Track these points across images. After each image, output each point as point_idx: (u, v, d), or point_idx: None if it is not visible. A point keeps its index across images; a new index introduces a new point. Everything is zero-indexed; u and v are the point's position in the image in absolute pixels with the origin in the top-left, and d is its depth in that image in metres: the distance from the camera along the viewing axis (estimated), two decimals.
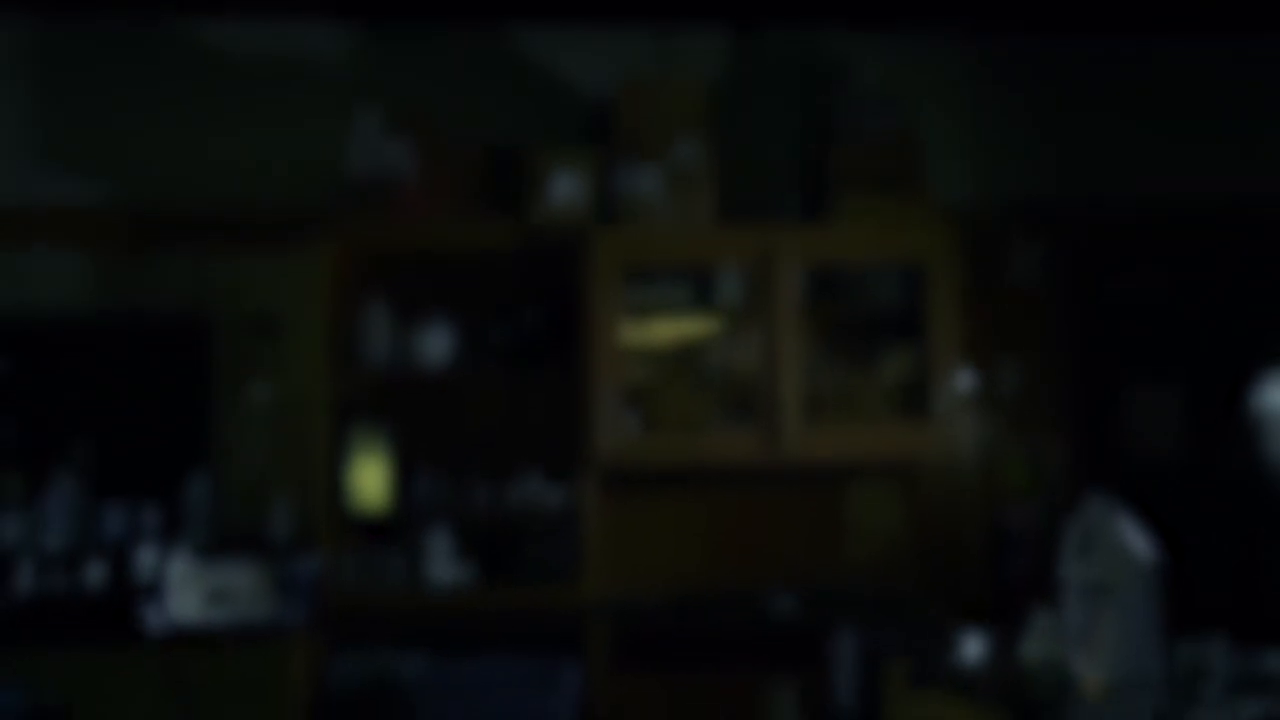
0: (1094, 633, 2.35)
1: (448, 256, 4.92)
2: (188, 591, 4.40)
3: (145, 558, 4.58)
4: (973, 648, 2.77)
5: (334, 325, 4.77)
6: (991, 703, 2.45)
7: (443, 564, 4.77)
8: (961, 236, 4.98)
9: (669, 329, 4.99)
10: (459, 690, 4.46)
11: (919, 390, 4.99)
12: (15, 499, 4.70)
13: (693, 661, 4.97)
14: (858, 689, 3.06)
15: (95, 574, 4.57)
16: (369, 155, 4.75)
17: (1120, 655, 2.33)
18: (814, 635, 4.67)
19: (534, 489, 4.86)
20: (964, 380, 4.96)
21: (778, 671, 4.86)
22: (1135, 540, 2.46)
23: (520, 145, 4.92)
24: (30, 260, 4.86)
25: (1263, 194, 5.34)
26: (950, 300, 4.93)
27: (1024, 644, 2.61)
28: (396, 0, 4.99)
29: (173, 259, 4.89)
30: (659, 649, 4.93)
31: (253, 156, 4.93)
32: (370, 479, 4.79)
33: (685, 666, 4.98)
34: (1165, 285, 5.36)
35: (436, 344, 4.82)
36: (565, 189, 4.87)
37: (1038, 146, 5.36)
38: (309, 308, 4.79)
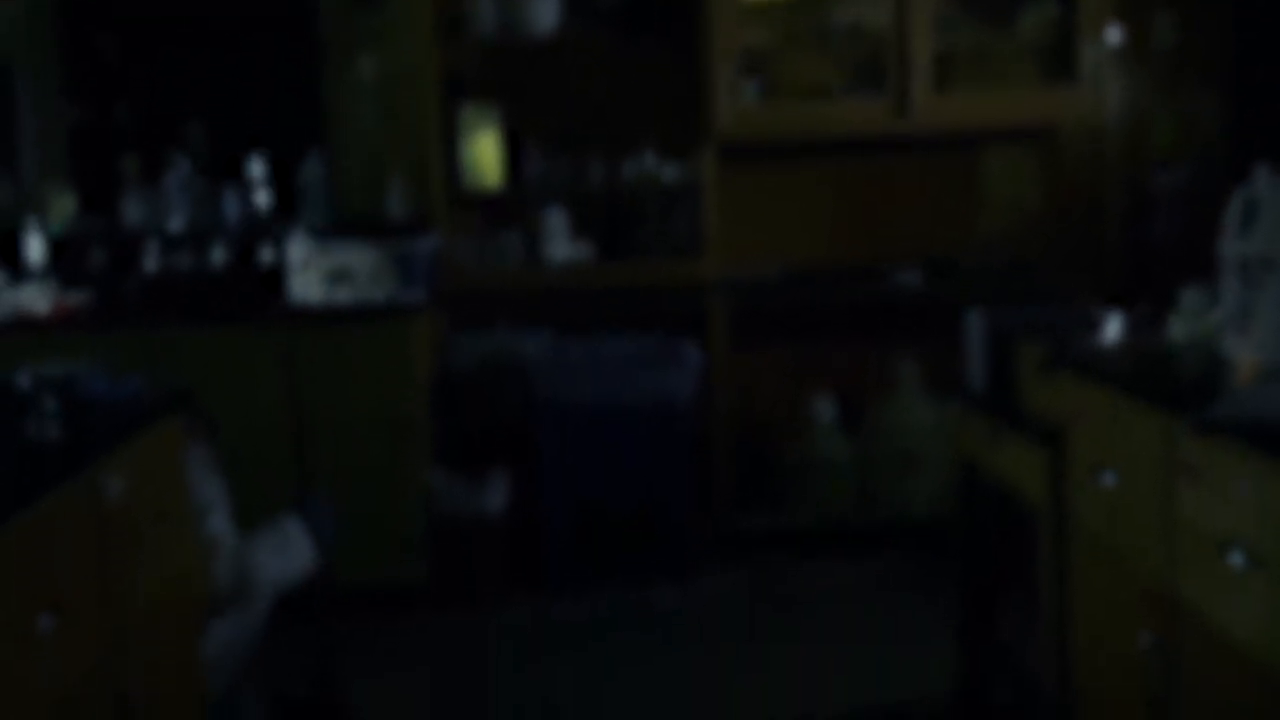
0: (1252, 312, 2.17)
1: None
2: (308, 273, 4.40)
3: (264, 240, 4.59)
4: (1113, 327, 2.60)
5: None
6: (1132, 386, 2.30)
7: (559, 242, 4.70)
8: None
9: None
10: (579, 367, 4.46)
11: (1062, 48, 4.63)
12: (135, 182, 4.70)
13: (815, 337, 4.90)
14: (988, 369, 2.93)
15: (218, 256, 4.60)
16: None
17: None
18: (942, 310, 4.53)
19: (650, 164, 4.69)
20: (1112, 35, 4.57)
21: (905, 347, 4.77)
22: None
23: None
24: None
25: None
26: None
27: (1170, 323, 2.43)
28: None
29: None
30: (780, 324, 4.86)
31: None
32: (483, 157, 4.68)
33: (807, 342, 4.91)
34: None
35: (544, 9, 4.58)
36: None
37: None
38: None
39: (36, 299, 4.32)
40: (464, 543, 4.27)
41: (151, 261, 4.58)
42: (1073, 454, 2.58)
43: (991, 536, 3.31)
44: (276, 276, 4.45)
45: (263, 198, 4.68)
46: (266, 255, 4.57)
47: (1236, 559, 1.91)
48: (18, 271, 4.43)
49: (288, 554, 3.16)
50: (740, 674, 3.75)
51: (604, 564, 4.42)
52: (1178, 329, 2.39)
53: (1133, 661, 2.32)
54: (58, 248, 4.55)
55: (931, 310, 4.72)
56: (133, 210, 4.67)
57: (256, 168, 4.67)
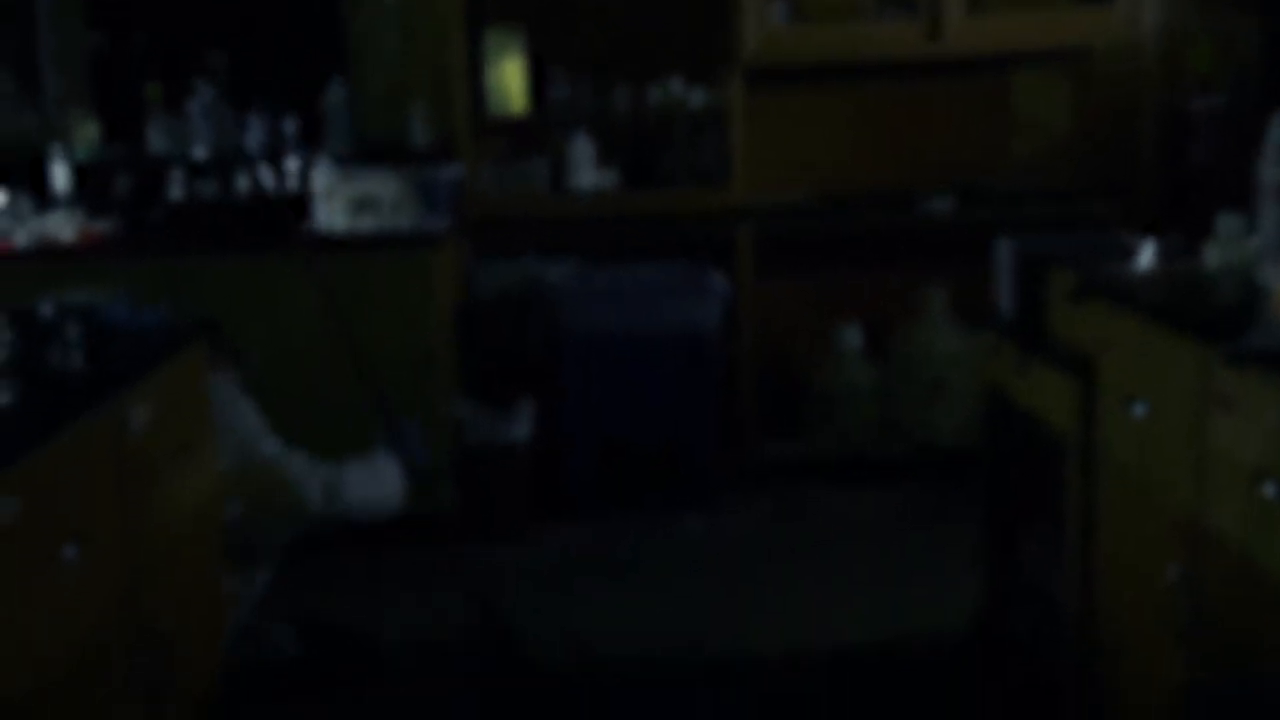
0: None
1: None
2: (332, 200, 4.36)
3: (288, 168, 4.56)
4: (1146, 254, 2.55)
5: None
6: (1165, 315, 2.26)
7: (584, 169, 4.65)
8: None
9: None
10: (605, 295, 4.43)
11: None
12: (158, 109, 4.67)
13: (842, 265, 4.85)
14: (1018, 297, 2.89)
15: (242, 183, 4.58)
16: None
17: None
18: (972, 237, 4.47)
19: (676, 90, 4.63)
20: None
21: (933, 274, 4.72)
22: None
23: None
24: None
25: None
26: None
27: (1205, 251, 2.38)
28: None
29: None
30: (807, 252, 4.81)
31: None
32: (508, 82, 4.62)
33: (834, 269, 4.87)
34: None
35: None
36: None
37: None
38: None
39: (62, 226, 4.31)
40: (489, 472, 4.27)
41: (176, 189, 4.56)
42: (1103, 383, 2.54)
43: (1016, 466, 3.29)
44: (301, 204, 4.42)
45: (287, 126, 4.64)
46: (290, 184, 4.54)
47: (1270, 490, 1.88)
48: (44, 199, 4.42)
49: (379, 480, 3.18)
50: (763, 604, 3.75)
51: (628, 493, 4.43)
52: (1213, 256, 2.33)
53: (1160, 594, 2.30)
54: (82, 175, 4.53)
55: (960, 237, 4.66)
56: (157, 138, 4.65)
57: (280, 96, 4.62)
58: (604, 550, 4.20)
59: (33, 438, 1.98)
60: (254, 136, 4.64)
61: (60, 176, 4.49)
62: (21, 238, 4.24)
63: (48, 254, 4.16)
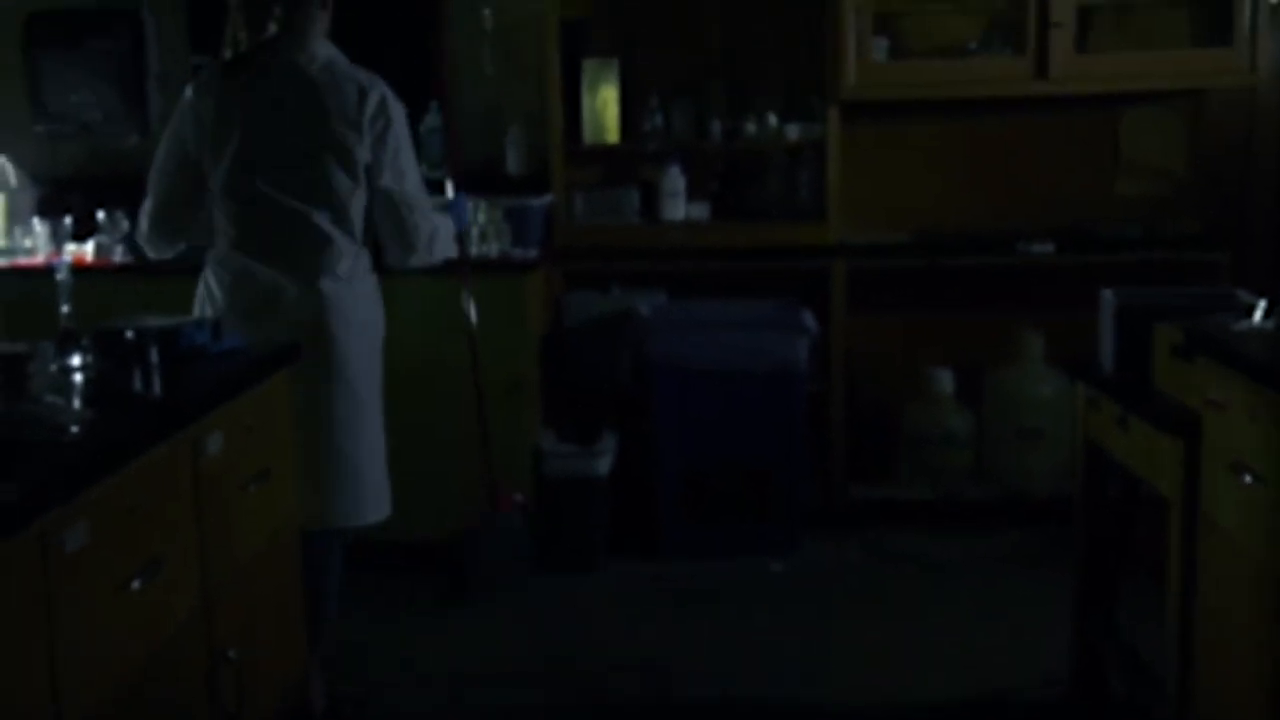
0: None
1: None
2: None
3: None
4: (1258, 311, 2.43)
5: None
6: (1277, 377, 2.14)
7: (677, 200, 4.60)
8: None
9: None
10: (696, 327, 4.37)
11: (1215, 5, 4.38)
12: None
13: (937, 304, 4.74)
14: (1120, 349, 2.77)
15: None
16: None
17: None
18: (1073, 281, 4.35)
19: (772, 122, 4.56)
20: None
21: (1030, 317, 4.59)
22: None
23: None
24: None
25: None
26: None
27: None
28: None
29: None
30: (901, 290, 4.71)
31: None
32: (603, 112, 4.58)
33: (929, 309, 4.75)
34: None
35: None
36: None
37: None
38: None
39: None
40: (569, 503, 4.23)
41: None
42: (1209, 445, 2.42)
43: (1115, 521, 3.18)
44: None
45: None
46: None
47: None
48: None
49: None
50: (846, 650, 3.65)
51: (714, 529, 4.36)
52: None
53: (1263, 663, 2.19)
54: None
55: (1061, 279, 4.53)
56: None
57: None
58: (683, 586, 4.13)
59: (105, 465, 1.97)
60: None
61: None
62: (118, 255, 4.30)
63: (140, 271, 4.21)
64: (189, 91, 3.13)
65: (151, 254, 3.26)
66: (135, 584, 2.05)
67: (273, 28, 3.08)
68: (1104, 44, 4.55)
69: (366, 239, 3.16)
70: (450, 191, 3.74)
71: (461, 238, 3.65)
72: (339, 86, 3.05)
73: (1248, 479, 2.23)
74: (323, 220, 3.03)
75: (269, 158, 3.03)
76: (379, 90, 3.08)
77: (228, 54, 3.14)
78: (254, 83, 3.06)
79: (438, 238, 3.22)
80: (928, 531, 4.49)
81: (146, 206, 3.18)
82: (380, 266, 3.26)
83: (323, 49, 3.11)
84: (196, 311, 3.11)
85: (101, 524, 1.94)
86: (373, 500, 3.18)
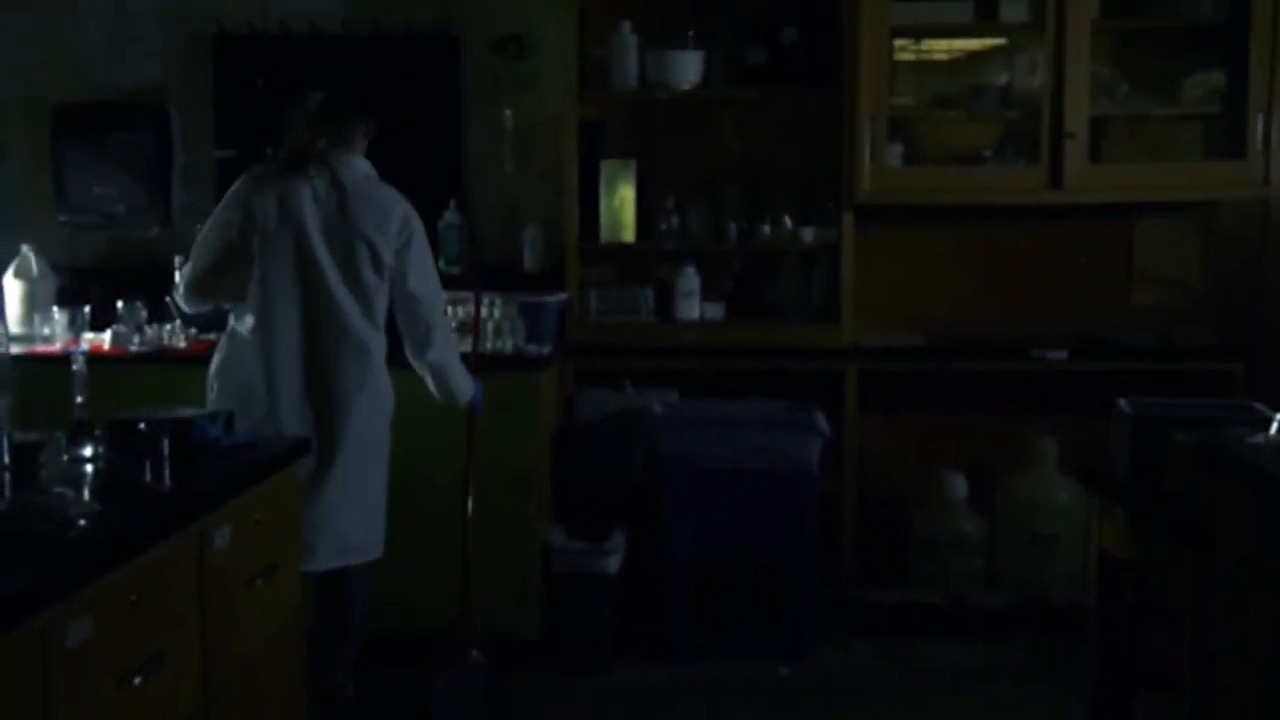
0: None
1: None
2: None
3: None
4: (1274, 425, 2.42)
5: (582, 47, 4.55)
6: None
7: (691, 300, 4.62)
8: None
9: (941, 48, 4.54)
10: (708, 426, 4.36)
11: (1227, 119, 4.42)
12: None
13: (950, 408, 4.73)
14: (1134, 460, 2.76)
15: None
16: None
17: None
18: (1087, 388, 4.34)
19: (787, 225, 4.60)
20: None
21: (1043, 423, 4.57)
22: None
23: None
24: None
25: None
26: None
27: None
28: None
29: None
30: (914, 394, 4.71)
31: None
32: (620, 210, 4.63)
33: (942, 413, 4.74)
34: None
35: (686, 66, 4.53)
36: None
37: None
38: (557, 29, 4.59)
39: (177, 335, 4.40)
40: (576, 602, 4.19)
41: None
42: (1225, 559, 2.40)
43: (1130, 631, 3.13)
44: None
45: None
46: None
47: None
48: (160, 307, 4.49)
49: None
50: None
51: (723, 629, 4.30)
52: None
53: None
54: None
55: (1074, 386, 4.52)
56: None
57: None
58: (689, 691, 4.07)
59: (110, 560, 1.96)
60: None
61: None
62: (135, 344, 4.32)
63: (161, 360, 4.23)
64: (245, 183, 3.52)
65: (188, 310, 3.75)
66: (137, 680, 2.03)
67: (323, 141, 3.50)
68: (1118, 154, 4.59)
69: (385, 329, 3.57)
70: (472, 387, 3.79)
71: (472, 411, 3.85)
72: (372, 197, 3.50)
73: (1265, 593, 2.20)
74: (351, 306, 3.46)
75: (311, 249, 3.44)
76: (404, 206, 3.54)
77: (283, 155, 3.46)
78: (304, 185, 3.46)
79: (451, 345, 3.67)
80: (939, 637, 4.43)
81: (186, 272, 3.60)
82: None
83: (361, 164, 3.55)
84: (214, 373, 3.52)
85: (104, 618, 1.93)
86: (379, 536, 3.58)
